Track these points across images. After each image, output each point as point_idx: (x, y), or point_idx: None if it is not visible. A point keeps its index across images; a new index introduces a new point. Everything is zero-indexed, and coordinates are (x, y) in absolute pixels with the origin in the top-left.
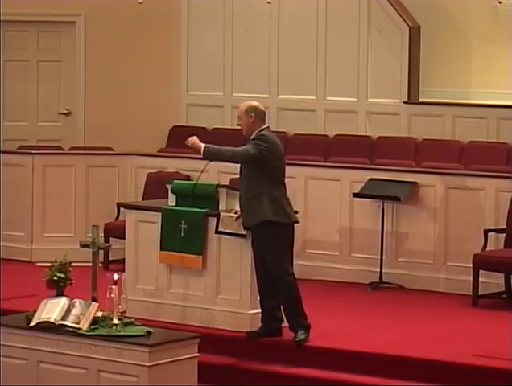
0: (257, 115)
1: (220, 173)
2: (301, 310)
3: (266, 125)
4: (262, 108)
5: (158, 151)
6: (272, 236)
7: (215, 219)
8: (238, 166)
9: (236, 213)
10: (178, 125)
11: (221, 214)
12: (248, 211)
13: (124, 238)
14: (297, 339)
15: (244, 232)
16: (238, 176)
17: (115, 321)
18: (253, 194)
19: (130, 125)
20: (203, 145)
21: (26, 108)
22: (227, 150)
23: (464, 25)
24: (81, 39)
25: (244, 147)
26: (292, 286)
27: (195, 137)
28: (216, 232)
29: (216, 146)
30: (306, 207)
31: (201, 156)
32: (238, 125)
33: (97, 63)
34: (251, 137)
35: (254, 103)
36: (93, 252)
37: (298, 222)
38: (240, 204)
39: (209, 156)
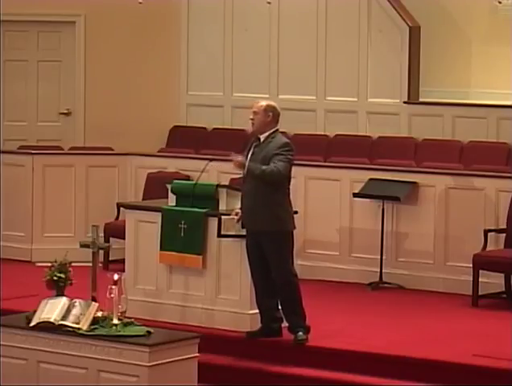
0: (274, 116)
1: (220, 173)
2: (301, 311)
3: (277, 127)
4: (279, 110)
5: (159, 151)
6: (280, 243)
7: (215, 219)
8: None
9: (236, 215)
10: (178, 125)
11: (222, 217)
12: (257, 217)
13: (124, 238)
14: (297, 340)
15: None
16: (239, 176)
17: (115, 321)
18: (263, 201)
19: (130, 125)
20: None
21: (26, 108)
22: (266, 168)
23: (464, 25)
24: (81, 39)
25: (277, 164)
26: (295, 287)
27: (239, 157)
28: (219, 235)
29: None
30: (306, 207)
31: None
32: (251, 119)
33: (97, 63)
34: (263, 138)
35: (274, 103)
36: (93, 252)
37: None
38: (244, 205)
39: (251, 173)
